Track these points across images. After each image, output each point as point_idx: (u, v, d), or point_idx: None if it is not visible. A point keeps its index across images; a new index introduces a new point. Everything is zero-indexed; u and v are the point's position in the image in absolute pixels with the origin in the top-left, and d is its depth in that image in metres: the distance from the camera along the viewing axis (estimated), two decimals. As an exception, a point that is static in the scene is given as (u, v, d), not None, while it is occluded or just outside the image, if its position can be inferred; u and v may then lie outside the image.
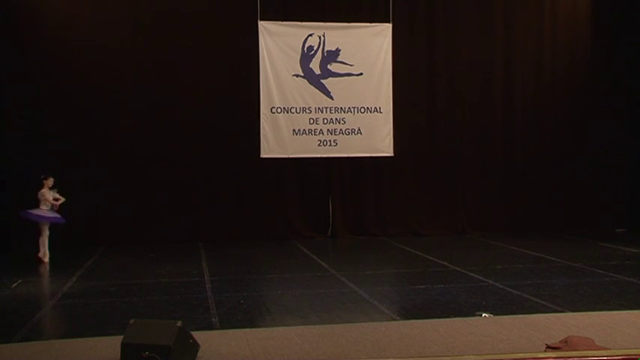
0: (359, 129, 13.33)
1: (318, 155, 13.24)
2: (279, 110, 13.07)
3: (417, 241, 12.83)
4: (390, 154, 13.44)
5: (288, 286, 9.00)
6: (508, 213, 13.95)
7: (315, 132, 13.19)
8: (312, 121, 13.18)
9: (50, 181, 10.85)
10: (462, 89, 13.95)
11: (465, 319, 6.94)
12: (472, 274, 9.42)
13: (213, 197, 13.00)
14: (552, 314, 7.09)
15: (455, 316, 7.08)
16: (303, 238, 13.10)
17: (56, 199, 10.81)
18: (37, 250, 10.86)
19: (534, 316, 6.99)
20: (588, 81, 14.24)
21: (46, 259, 10.81)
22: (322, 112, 13.22)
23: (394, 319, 7.18)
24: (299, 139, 13.14)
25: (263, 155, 13.02)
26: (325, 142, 13.23)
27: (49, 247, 10.85)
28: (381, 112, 13.41)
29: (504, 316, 6.98)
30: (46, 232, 10.84)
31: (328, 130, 13.23)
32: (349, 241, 13.11)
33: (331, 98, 13.25)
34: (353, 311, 7.64)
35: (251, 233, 12.93)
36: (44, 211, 10.74)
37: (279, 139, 13.07)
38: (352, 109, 13.31)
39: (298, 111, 13.14)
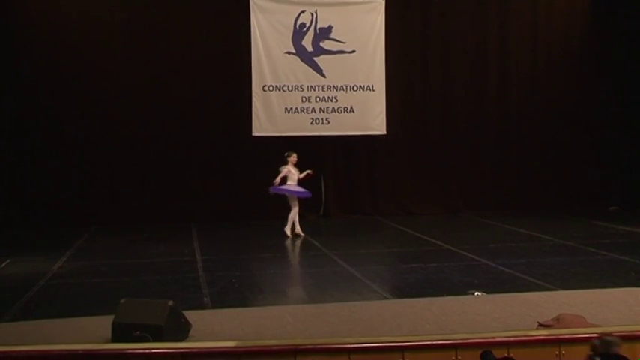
0: (351, 107, 13.27)
1: (311, 134, 13.16)
2: (270, 88, 12.99)
3: (410, 220, 12.84)
4: (383, 132, 13.40)
5: (281, 265, 9.03)
6: (502, 192, 13.97)
7: (307, 110, 13.13)
8: (304, 99, 13.11)
9: (294, 158, 10.87)
10: (457, 66, 13.90)
11: (457, 297, 6.97)
12: (465, 253, 9.45)
13: (204, 176, 12.97)
14: (544, 292, 7.13)
15: (448, 295, 7.10)
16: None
17: (306, 175, 10.90)
18: (285, 224, 11.00)
19: (527, 294, 7.03)
20: (584, 59, 14.19)
21: (300, 232, 10.93)
22: (314, 90, 13.14)
23: (387, 298, 7.21)
24: (291, 117, 13.08)
25: (255, 134, 12.96)
26: (317, 121, 13.18)
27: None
28: (373, 90, 13.33)
29: (497, 295, 7.02)
30: (296, 208, 10.90)
31: (320, 108, 13.17)
32: (342, 220, 13.13)
33: (323, 76, 13.16)
34: (346, 290, 7.65)
35: (243, 212, 12.90)
36: (293, 186, 10.80)
37: (271, 117, 13.01)
38: (345, 87, 13.24)
39: (290, 89, 13.06)
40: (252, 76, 12.88)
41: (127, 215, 12.48)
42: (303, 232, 10.98)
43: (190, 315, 5.86)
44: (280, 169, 10.87)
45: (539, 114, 14.16)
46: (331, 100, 13.21)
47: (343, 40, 13.19)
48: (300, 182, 10.92)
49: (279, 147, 13.23)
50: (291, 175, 10.83)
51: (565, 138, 14.20)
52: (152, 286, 7.79)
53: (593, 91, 14.23)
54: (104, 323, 5.64)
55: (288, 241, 10.84)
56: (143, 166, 12.74)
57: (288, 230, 10.93)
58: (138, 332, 5.26)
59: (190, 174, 12.88)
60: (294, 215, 10.93)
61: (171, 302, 5.59)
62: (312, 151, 13.41)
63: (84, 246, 10.61)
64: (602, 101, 14.27)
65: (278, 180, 10.80)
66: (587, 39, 14.22)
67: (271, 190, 10.88)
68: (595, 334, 4.33)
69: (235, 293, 7.43)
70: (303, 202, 13.03)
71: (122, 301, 5.67)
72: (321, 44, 13.16)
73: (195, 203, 12.85)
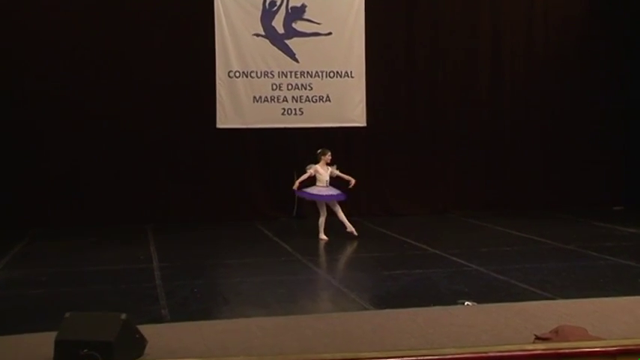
0: (328, 96, 13.26)
1: (282, 125, 13.15)
2: (237, 74, 12.93)
3: (393, 221, 12.89)
4: (363, 124, 13.41)
5: (249, 273, 9.02)
6: (495, 190, 14.06)
7: (278, 99, 13.11)
8: (274, 86, 13.08)
9: (328, 156, 10.91)
10: (445, 52, 13.95)
11: (445, 307, 7.00)
12: (454, 258, 9.50)
13: (163, 172, 12.87)
14: (542, 302, 7.19)
15: (434, 305, 7.13)
16: (266, 218, 13.08)
17: (340, 178, 10.94)
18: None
19: (522, 304, 7.08)
20: (584, 48, 14.29)
21: (323, 237, 11.00)
22: (286, 76, 13.12)
23: (367, 309, 7.22)
24: (260, 107, 13.05)
25: (219, 126, 12.91)
26: (290, 111, 13.16)
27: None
28: (352, 77, 13.33)
29: (489, 305, 7.06)
30: (324, 212, 10.95)
31: (293, 97, 13.15)
32: (317, 221, 13.04)
33: (296, 61, 13.14)
34: (321, 300, 7.74)
35: (206, 214, 12.87)
36: (320, 188, 10.83)
37: (237, 107, 12.96)
38: (320, 74, 13.23)
39: (259, 75, 13.02)
40: (216, 61, 12.79)
41: (73, 216, 12.35)
42: (325, 235, 11.07)
43: (146, 330, 5.80)
44: (307, 168, 10.99)
45: (537, 106, 14.26)
46: (305, 88, 13.20)
47: (318, 21, 13.17)
48: (333, 183, 11.03)
49: (246, 140, 13.25)
50: (319, 176, 10.92)
51: (565, 131, 14.31)
52: (102, 298, 7.73)
53: (597, 83, 14.32)
54: (46, 341, 5.55)
55: (257, 246, 10.82)
56: (92, 161, 12.61)
57: (323, 235, 11.05)
58: (85, 350, 5.19)
59: (147, 170, 12.78)
60: (321, 219, 11.07)
61: (123, 315, 5.53)
62: (284, 145, 13.45)
63: (23, 252, 10.48)
64: (606, 94, 14.37)
65: (298, 181, 10.94)
66: (587, 26, 14.29)
67: (296, 194, 11.15)
68: (598, 348, 4.35)
69: (197, 304, 7.41)
70: (261, 203, 13.07)
71: (67, 315, 5.59)
72: (293, 25, 13.13)
73: (153, 202, 12.77)
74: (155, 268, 9.19)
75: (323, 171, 10.95)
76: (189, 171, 12.97)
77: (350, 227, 11.08)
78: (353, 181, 11.02)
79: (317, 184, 10.95)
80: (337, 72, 13.30)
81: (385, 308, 7.14)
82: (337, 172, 11.02)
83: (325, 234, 11.06)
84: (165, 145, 12.85)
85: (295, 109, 13.19)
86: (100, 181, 12.60)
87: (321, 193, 10.96)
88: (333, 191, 11.00)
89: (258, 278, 8.72)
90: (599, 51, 14.34)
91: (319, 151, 11.09)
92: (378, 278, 8.77)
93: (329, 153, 11.03)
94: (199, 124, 12.88)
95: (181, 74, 12.83)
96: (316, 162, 11.01)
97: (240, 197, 13.26)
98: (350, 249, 10.82)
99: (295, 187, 11.04)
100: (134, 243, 10.95)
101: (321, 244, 10.85)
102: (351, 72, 13.34)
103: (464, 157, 14.08)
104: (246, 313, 7.15)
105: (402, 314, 6.75)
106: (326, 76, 13.26)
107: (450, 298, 7.43)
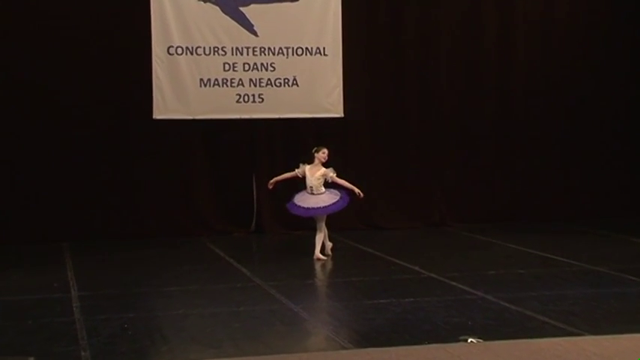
0: (295, 79, 13.30)
1: (237, 116, 13.17)
2: (179, 51, 12.93)
3: (377, 237, 12.95)
4: (340, 114, 13.47)
5: (194, 303, 8.98)
6: (503, 198, 14.18)
7: (232, 83, 13.15)
8: (227, 66, 13.11)
9: (322, 154, 10.95)
10: (442, 27, 14.07)
11: (444, 345, 6.98)
12: (454, 283, 9.53)
13: (83, 178, 12.77)
14: (566, 338, 7.19)
15: (430, 342, 7.11)
16: (217, 233, 13.10)
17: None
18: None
19: (541, 341, 7.07)
20: (610, 35, 14.50)
21: (320, 256, 11.08)
22: (242, 53, 13.14)
23: (345, 348, 7.19)
24: (209, 92, 13.07)
25: (157, 116, 12.89)
26: (247, 98, 13.19)
27: None
28: (325, 55, 13.39)
29: (499, 342, 7.06)
30: (320, 226, 11.07)
31: (251, 80, 13.19)
32: (282, 237, 13.18)
33: (255, 34, 13.17)
34: (287, 337, 7.67)
35: (139, 228, 12.86)
36: (305, 197, 10.93)
37: (180, 92, 12.99)
38: (285, 51, 13.27)
39: (207, 52, 13.05)
40: (152, 35, 12.75)
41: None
42: (323, 254, 11.18)
43: (60, 377, 5.74)
44: (299, 165, 11.13)
45: (555, 96, 14.41)
46: (266, 69, 13.24)
47: (282, -16, 13.22)
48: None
49: (191, 134, 13.24)
50: (307, 180, 10.98)
51: (590, 126, 14.49)
52: (5, 336, 7.60)
53: (627, 72, 14.53)
54: None
55: (205, 269, 10.80)
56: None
57: (319, 254, 11.11)
58: (-19, 404, 5.09)
59: (62, 173, 12.70)
60: (319, 235, 11.15)
61: (32, 359, 5.45)
62: (240, 141, 13.43)
63: None
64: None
65: (273, 180, 11.21)
66: (615, 14, 14.52)
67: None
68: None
69: (128, 344, 7.34)
70: (210, 215, 13.07)
71: (-42, 358, 5.50)
72: (250, -12, 13.18)
73: (70, 215, 12.70)
74: (73, 298, 9.11)
75: (310, 174, 10.99)
76: (118, 174, 12.92)
77: (317, 253, 11.06)
78: (358, 192, 11.14)
79: (305, 190, 11.03)
80: (307, 48, 13.34)
81: (368, 347, 7.09)
82: (332, 176, 11.04)
83: (322, 252, 11.13)
84: (86, 141, 12.76)
85: (254, 96, 13.19)
86: (3, 191, 12.47)
87: (300, 205, 10.99)
88: (323, 202, 10.97)
89: (206, 310, 8.69)
90: (629, 41, 14.52)
91: (315, 149, 11.16)
92: (359, 309, 8.74)
93: (323, 150, 11.07)
94: (130, 114, 12.88)
95: (107, 51, 12.79)
96: (309, 161, 11.10)
97: (183, 207, 13.23)
98: (323, 272, 10.84)
99: (270, 185, 11.21)
100: (46, 266, 10.89)
101: (294, 266, 10.89)
102: (324, 49, 13.38)
103: (464, 157, 14.17)
104: (190, 354, 7.09)
105: (389, 354, 6.72)
106: (293, 54, 13.28)
107: (449, 333, 7.43)
